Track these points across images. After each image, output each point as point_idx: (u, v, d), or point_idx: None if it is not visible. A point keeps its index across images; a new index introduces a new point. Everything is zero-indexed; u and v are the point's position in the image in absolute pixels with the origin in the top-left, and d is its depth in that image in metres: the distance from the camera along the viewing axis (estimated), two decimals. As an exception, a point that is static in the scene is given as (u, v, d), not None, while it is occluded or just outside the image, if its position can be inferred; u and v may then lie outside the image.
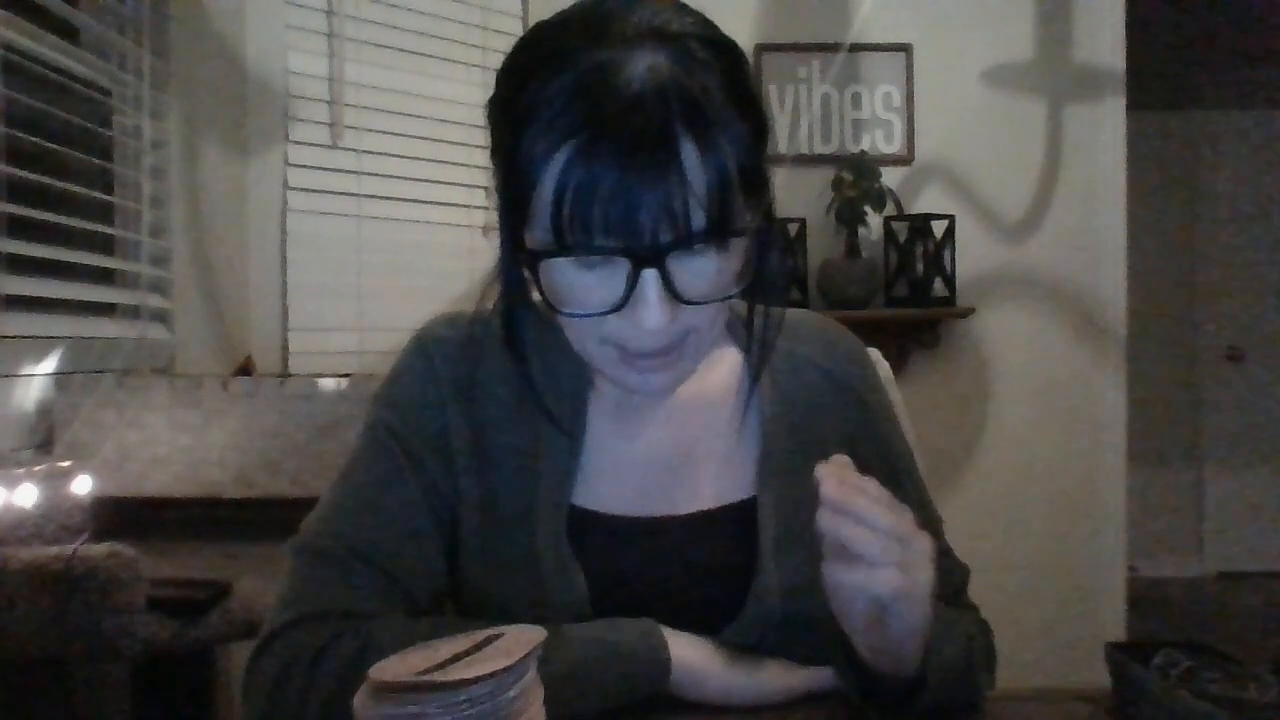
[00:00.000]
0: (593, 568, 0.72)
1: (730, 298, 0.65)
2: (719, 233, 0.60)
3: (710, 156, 0.59)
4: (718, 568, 0.74)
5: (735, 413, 0.79)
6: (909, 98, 2.73)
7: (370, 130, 2.22)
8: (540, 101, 0.60)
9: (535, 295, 0.67)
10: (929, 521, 0.81)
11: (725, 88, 0.62)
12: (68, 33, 1.73)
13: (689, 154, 0.58)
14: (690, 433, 0.78)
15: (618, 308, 0.61)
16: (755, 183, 0.63)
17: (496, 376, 0.76)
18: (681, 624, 0.70)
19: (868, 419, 0.81)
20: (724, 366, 0.81)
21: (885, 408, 0.84)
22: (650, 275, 0.60)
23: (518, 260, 0.65)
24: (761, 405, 0.78)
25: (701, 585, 0.74)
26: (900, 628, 0.58)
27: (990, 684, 0.75)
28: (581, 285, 0.62)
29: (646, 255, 0.59)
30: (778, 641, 0.72)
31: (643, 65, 0.59)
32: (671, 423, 0.78)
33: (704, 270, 0.62)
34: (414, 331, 0.79)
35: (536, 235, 0.63)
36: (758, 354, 0.76)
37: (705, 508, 0.76)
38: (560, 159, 0.59)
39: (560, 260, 0.61)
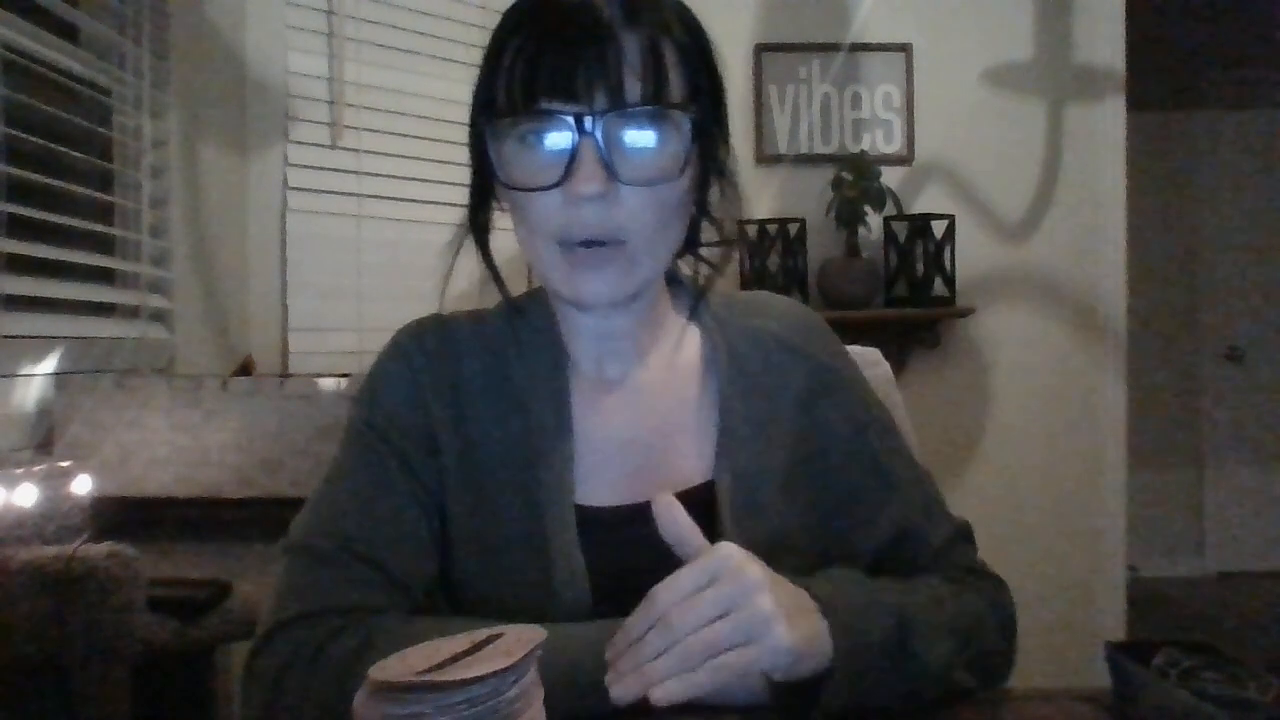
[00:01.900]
0: (592, 563, 0.73)
1: (666, 181, 0.69)
2: (651, 100, 0.67)
3: (649, 47, 0.67)
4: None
5: (702, 390, 0.80)
6: (909, 98, 2.73)
7: (370, 130, 2.22)
8: (501, 21, 0.71)
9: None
10: (913, 477, 0.81)
11: (673, 12, 0.72)
12: (68, 33, 1.73)
13: (630, 44, 0.67)
14: (662, 413, 0.79)
15: (561, 179, 0.67)
16: (695, 74, 0.71)
17: (478, 377, 0.78)
18: None
19: (826, 380, 0.81)
20: (690, 346, 0.82)
21: (846, 369, 0.84)
22: (587, 145, 0.66)
23: (484, 155, 0.71)
24: (721, 381, 0.79)
25: (675, 569, 0.74)
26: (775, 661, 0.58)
27: (974, 663, 0.71)
28: (530, 167, 0.68)
29: (582, 117, 0.66)
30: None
31: None
32: (645, 403, 0.79)
33: (641, 155, 0.68)
34: (392, 333, 0.81)
35: (494, 112, 0.70)
36: (698, 290, 0.81)
37: (677, 490, 0.76)
38: (512, 47, 0.68)
39: (512, 145, 0.69)
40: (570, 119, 0.66)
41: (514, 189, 0.70)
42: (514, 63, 0.67)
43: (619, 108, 0.66)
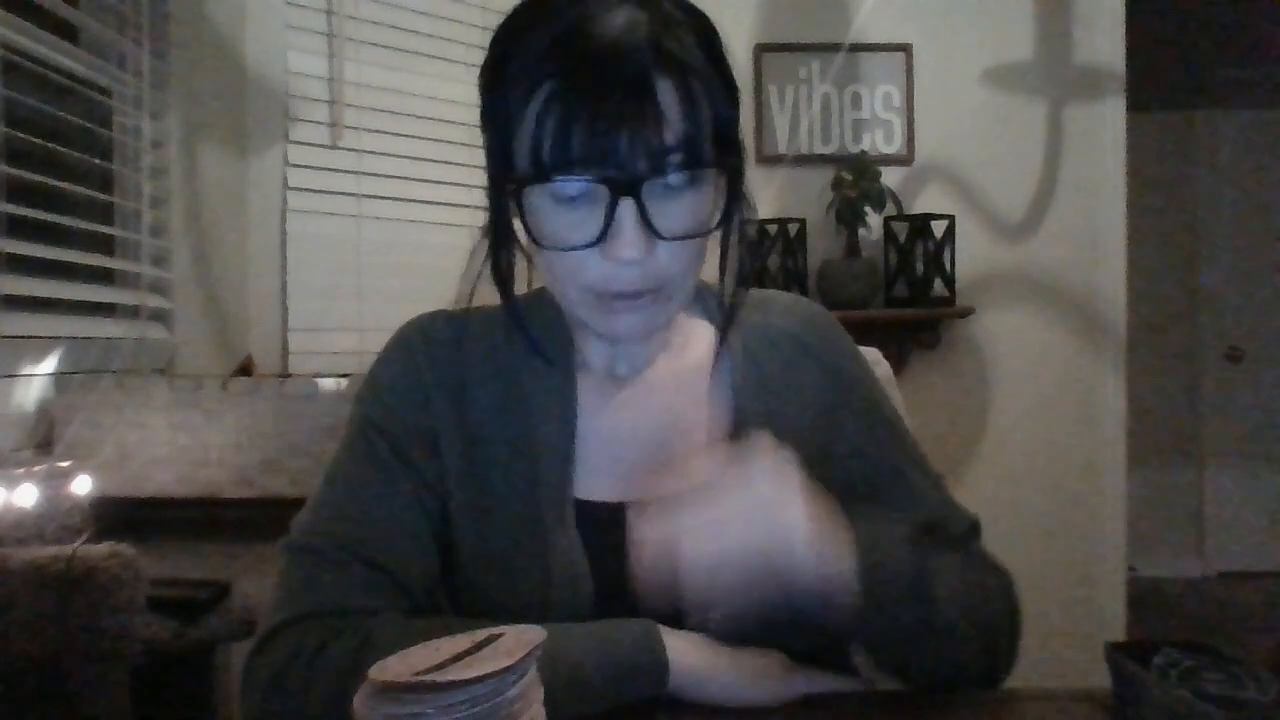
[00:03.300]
0: (595, 560, 0.73)
1: (706, 234, 0.68)
2: (693, 163, 0.64)
3: (684, 94, 0.64)
4: None
5: (713, 389, 0.80)
6: (909, 98, 2.73)
7: (370, 130, 2.22)
8: (523, 49, 0.65)
9: (521, 235, 0.70)
10: (925, 479, 0.81)
11: (700, 45, 0.67)
12: (68, 33, 1.73)
13: (664, 92, 0.63)
14: (672, 411, 0.79)
15: (597, 240, 0.64)
16: (727, 131, 0.68)
17: (482, 371, 0.78)
18: (675, 610, 0.70)
19: (841, 384, 0.81)
20: (701, 344, 0.82)
21: (861, 373, 0.84)
22: (627, 205, 0.63)
23: (504, 201, 0.69)
24: (734, 380, 0.79)
25: None
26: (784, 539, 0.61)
27: (982, 631, 0.71)
28: (563, 223, 0.65)
29: (622, 183, 0.62)
30: (761, 620, 0.71)
31: (621, 18, 0.63)
32: (653, 401, 0.79)
33: (678, 206, 0.65)
34: (394, 330, 0.80)
35: (519, 171, 0.66)
36: (726, 314, 0.79)
37: (686, 487, 0.76)
38: (540, 97, 0.63)
39: (543, 199, 0.65)
40: (608, 184, 0.63)
41: (546, 248, 0.67)
42: (543, 120, 0.62)
43: (661, 173, 0.63)
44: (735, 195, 0.71)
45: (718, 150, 0.67)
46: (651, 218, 0.63)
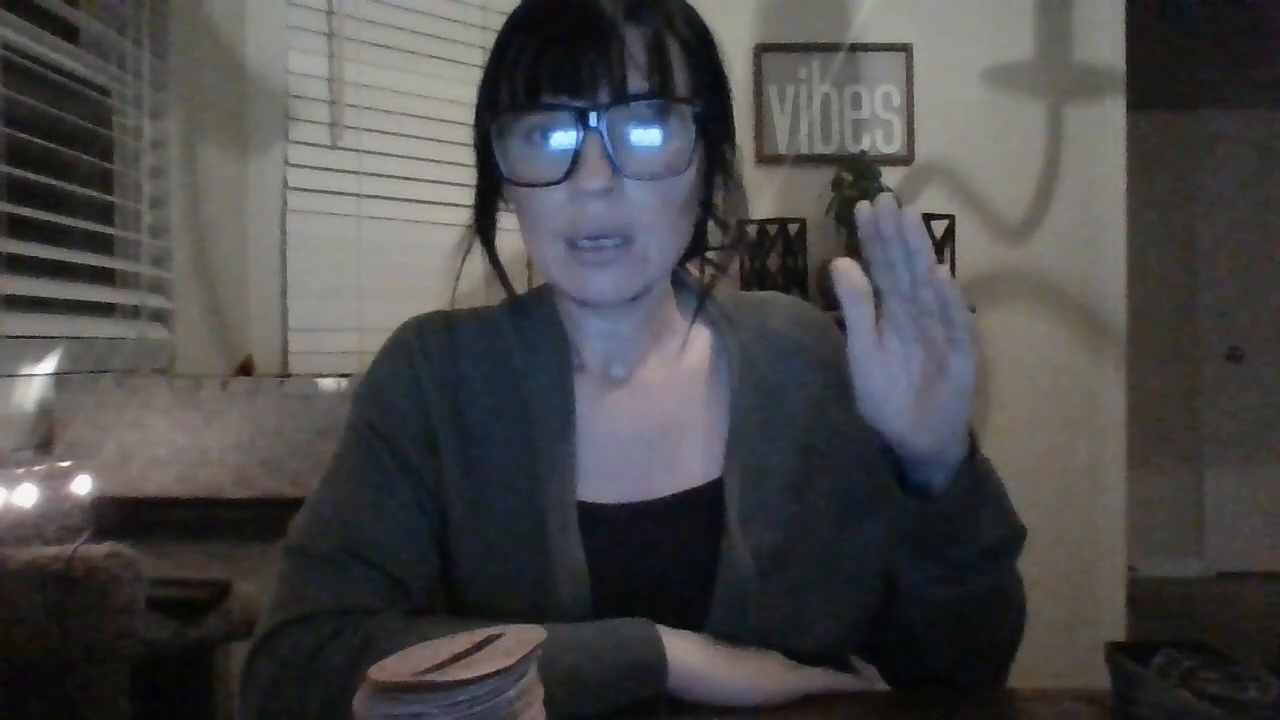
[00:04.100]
0: (593, 561, 0.72)
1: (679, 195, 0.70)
2: (655, 94, 0.67)
3: (648, 31, 0.68)
4: (693, 549, 0.74)
5: (710, 390, 0.80)
6: (909, 98, 2.73)
7: (370, 130, 2.22)
8: (506, 23, 0.71)
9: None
10: None
11: (677, 9, 0.72)
12: (68, 33, 1.73)
13: (631, 33, 0.67)
14: (669, 412, 0.78)
15: (566, 176, 0.67)
16: (699, 70, 0.71)
17: (480, 374, 0.78)
18: (671, 609, 0.71)
19: (839, 385, 0.81)
20: (700, 348, 0.82)
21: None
22: (592, 140, 0.66)
23: (487, 145, 0.72)
24: (731, 381, 0.79)
25: (680, 568, 0.74)
26: (955, 386, 0.63)
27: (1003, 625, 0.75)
28: (534, 163, 0.69)
29: (586, 111, 0.66)
30: (759, 622, 0.72)
31: None
32: (651, 402, 0.79)
33: (645, 150, 0.68)
34: (393, 330, 0.80)
35: (494, 108, 0.71)
36: (703, 289, 0.81)
37: (683, 488, 0.76)
38: (516, 45, 0.69)
39: (516, 142, 0.69)
40: (574, 113, 0.66)
41: (519, 185, 0.70)
42: (517, 60, 0.68)
43: (622, 101, 0.66)
44: (715, 159, 0.74)
45: (692, 81, 0.70)
46: (615, 154, 0.66)
